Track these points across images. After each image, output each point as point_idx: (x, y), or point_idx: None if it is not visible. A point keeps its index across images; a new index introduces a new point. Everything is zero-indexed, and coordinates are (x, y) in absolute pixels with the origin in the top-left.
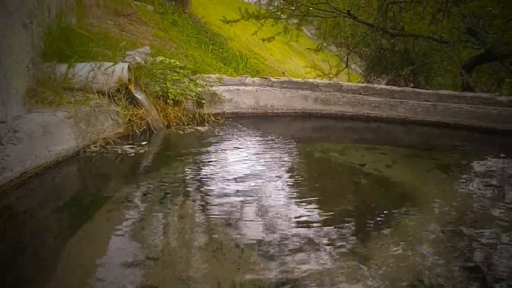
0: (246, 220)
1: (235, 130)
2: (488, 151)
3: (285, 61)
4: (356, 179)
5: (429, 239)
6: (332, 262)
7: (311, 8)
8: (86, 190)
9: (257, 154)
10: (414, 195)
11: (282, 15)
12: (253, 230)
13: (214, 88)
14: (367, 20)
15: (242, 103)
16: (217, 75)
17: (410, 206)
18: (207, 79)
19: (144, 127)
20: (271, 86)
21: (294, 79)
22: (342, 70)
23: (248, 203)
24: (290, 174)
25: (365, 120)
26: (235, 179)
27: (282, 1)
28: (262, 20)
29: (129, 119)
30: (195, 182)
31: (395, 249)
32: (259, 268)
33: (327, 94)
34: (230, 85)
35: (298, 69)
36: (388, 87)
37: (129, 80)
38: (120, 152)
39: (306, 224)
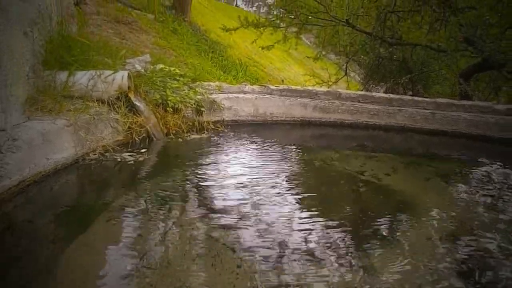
0: (245, 229)
1: (234, 137)
2: (486, 159)
3: (284, 69)
4: (356, 187)
5: (429, 248)
6: (332, 272)
7: (310, 17)
8: (84, 198)
9: (256, 162)
10: (414, 203)
11: (282, 23)
12: (252, 239)
13: (213, 96)
14: (365, 29)
15: (241, 110)
16: (217, 83)
17: (410, 215)
18: (207, 87)
19: (144, 134)
20: (270, 94)
21: (293, 87)
22: (341, 78)
23: (247, 211)
24: (289, 182)
25: (364, 128)
26: (234, 187)
27: (281, 9)
28: (262, 28)
29: (129, 127)
30: (194, 190)
31: (395, 258)
32: (258, 278)
33: (326, 102)
34: (230, 93)
35: (297, 77)
36: (386, 95)
37: (129, 88)
38: (119, 160)
39: (306, 233)
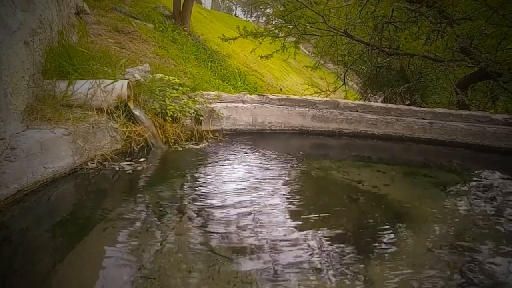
0: (243, 239)
1: (233, 147)
2: (484, 169)
3: (283, 78)
4: (354, 197)
5: (429, 258)
6: (330, 283)
7: (308, 27)
8: (82, 208)
9: (254, 171)
10: (413, 214)
11: (280, 33)
12: (250, 249)
13: (212, 105)
14: (363, 39)
15: (240, 120)
16: (216, 92)
17: (409, 225)
18: (206, 96)
19: (142, 143)
20: (269, 103)
21: (292, 97)
22: (340, 87)
23: (246, 221)
24: (287, 191)
25: (362, 137)
26: (232, 196)
27: (280, 19)
28: (260, 38)
29: (128, 136)
30: (192, 199)
31: (394, 268)
32: None
33: (325, 111)
34: (229, 102)
35: (296, 85)
36: (384, 104)
37: (128, 97)
38: (117, 169)
39: (304, 243)
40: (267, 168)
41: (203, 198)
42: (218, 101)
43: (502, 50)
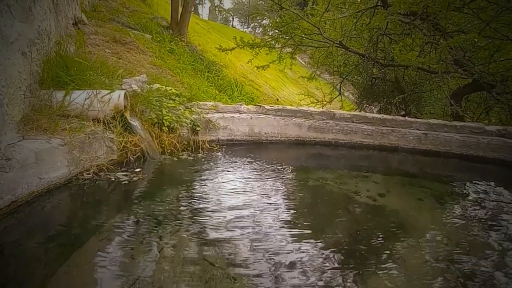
0: (239, 249)
1: (229, 157)
2: (479, 180)
3: (279, 88)
4: (350, 208)
5: (425, 269)
6: None
7: (304, 38)
8: (76, 219)
9: (251, 182)
10: (409, 224)
11: (277, 44)
12: (246, 259)
13: (209, 116)
14: (358, 50)
15: (236, 130)
16: (212, 102)
17: (405, 235)
18: (203, 107)
19: (139, 154)
20: (266, 114)
21: (288, 107)
22: (335, 97)
23: (241, 232)
24: (283, 202)
25: (358, 147)
26: (228, 207)
27: (276, 30)
28: (257, 48)
29: (124, 146)
30: (188, 210)
31: (391, 280)
32: None
33: (321, 122)
34: (225, 112)
35: (292, 96)
36: (380, 115)
37: (125, 107)
38: (113, 179)
39: (300, 254)
40: (263, 179)
41: (199, 209)
42: (215, 111)
43: (495, 62)
